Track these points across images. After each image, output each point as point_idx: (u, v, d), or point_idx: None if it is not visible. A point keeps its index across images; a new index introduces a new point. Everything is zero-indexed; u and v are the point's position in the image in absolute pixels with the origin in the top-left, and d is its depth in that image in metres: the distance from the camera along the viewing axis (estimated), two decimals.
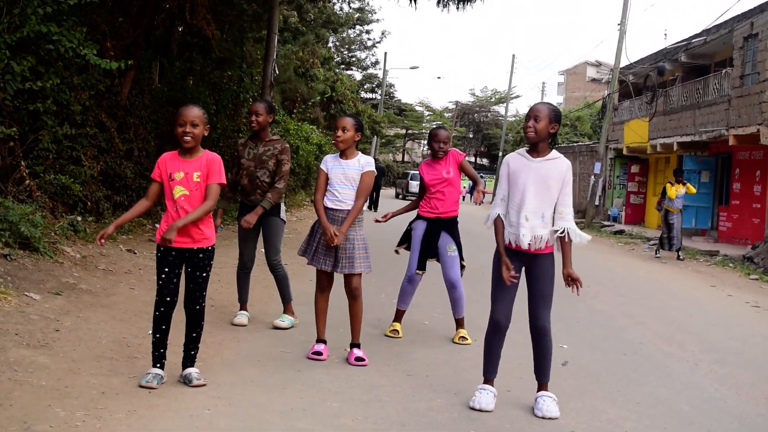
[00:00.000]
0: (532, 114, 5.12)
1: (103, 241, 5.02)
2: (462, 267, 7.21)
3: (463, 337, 7.17)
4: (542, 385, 5.26)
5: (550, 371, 5.28)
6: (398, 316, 7.35)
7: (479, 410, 5.09)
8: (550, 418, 5.03)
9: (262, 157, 7.01)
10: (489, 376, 5.32)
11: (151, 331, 5.14)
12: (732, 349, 7.95)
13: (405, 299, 7.31)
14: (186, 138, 4.97)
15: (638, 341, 7.91)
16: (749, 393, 6.20)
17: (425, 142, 77.76)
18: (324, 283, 6.16)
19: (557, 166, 5.15)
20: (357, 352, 6.09)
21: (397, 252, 7.51)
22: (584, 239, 5.28)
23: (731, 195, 23.76)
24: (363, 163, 6.10)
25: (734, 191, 23.55)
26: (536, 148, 5.16)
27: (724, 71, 23.39)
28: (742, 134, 20.97)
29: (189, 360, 5.18)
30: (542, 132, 5.09)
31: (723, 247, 20.42)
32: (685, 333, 8.59)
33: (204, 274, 5.11)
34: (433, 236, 7.14)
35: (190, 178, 5.01)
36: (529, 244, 5.10)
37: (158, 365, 5.08)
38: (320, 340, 6.19)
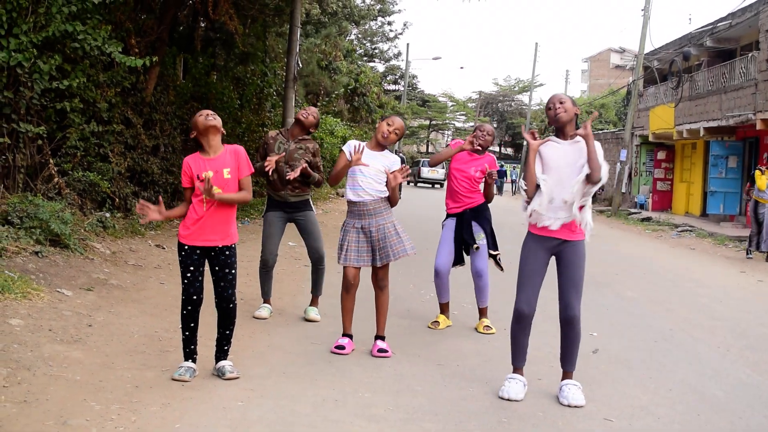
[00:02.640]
0: (556, 100, 5.15)
1: (144, 220, 5.16)
2: (493, 256, 7.22)
3: (488, 326, 7.16)
4: (567, 374, 5.25)
5: (576, 360, 5.26)
6: (442, 309, 7.36)
7: (508, 399, 5.10)
8: (576, 406, 5.02)
9: (293, 155, 6.99)
10: (517, 365, 5.31)
11: (181, 327, 5.18)
12: (763, 335, 7.89)
13: (440, 293, 7.31)
14: (209, 147, 5.09)
15: (668, 328, 7.87)
16: None
17: (449, 132, 77.93)
18: (350, 280, 6.06)
19: (582, 149, 5.13)
20: (380, 344, 6.08)
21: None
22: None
23: None
24: (391, 160, 6.10)
25: None
26: (563, 131, 5.16)
27: (750, 55, 23.13)
28: None
29: (222, 354, 5.23)
30: (571, 112, 5.12)
31: None
32: (715, 319, 8.53)
33: (233, 271, 5.14)
34: (465, 228, 7.14)
35: (221, 175, 5.03)
36: (549, 225, 5.11)
37: (190, 359, 5.13)
38: (346, 334, 6.18)
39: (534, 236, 5.23)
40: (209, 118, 5.04)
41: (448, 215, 7.29)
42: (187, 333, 5.10)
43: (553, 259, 5.28)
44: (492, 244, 7.22)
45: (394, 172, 5.93)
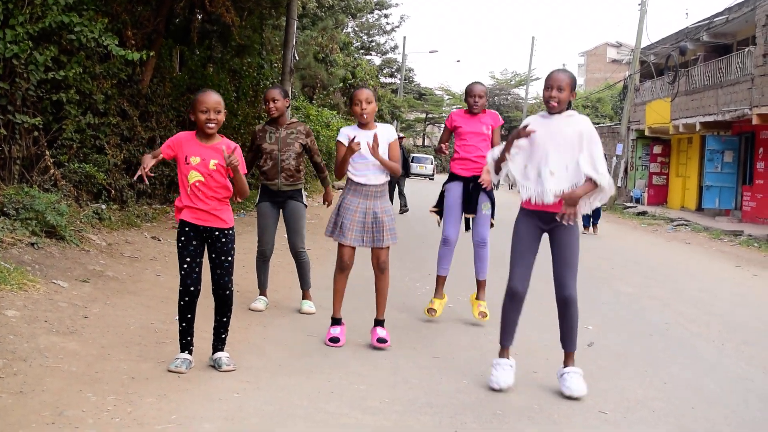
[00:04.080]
0: (555, 84, 5.08)
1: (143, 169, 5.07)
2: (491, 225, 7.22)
3: (483, 313, 7.13)
4: (568, 356, 5.23)
5: (576, 340, 5.25)
6: (439, 284, 7.26)
7: (499, 390, 5.10)
8: (577, 398, 5.02)
9: (286, 140, 7.00)
10: (504, 344, 5.29)
11: (177, 318, 5.18)
12: (758, 329, 7.91)
13: (443, 264, 7.25)
14: (210, 125, 4.98)
15: (664, 322, 7.89)
16: None
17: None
18: (346, 261, 6.03)
19: (576, 121, 5.15)
20: (380, 332, 6.04)
21: (437, 217, 7.42)
22: (611, 189, 5.15)
23: (755, 174, 23.56)
24: (387, 132, 6.07)
25: (758, 171, 23.35)
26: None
27: (746, 50, 23.16)
28: (766, 113, 20.76)
29: (220, 343, 5.22)
30: (564, 102, 5.11)
31: (747, 227, 20.27)
32: (710, 313, 8.55)
33: (230, 258, 5.13)
34: (472, 195, 7.10)
35: (206, 164, 4.99)
36: (555, 197, 5.06)
37: (186, 351, 5.12)
38: (336, 320, 6.12)
39: (526, 212, 5.22)
40: (210, 125, 4.97)
41: (453, 177, 7.21)
42: (183, 324, 5.08)
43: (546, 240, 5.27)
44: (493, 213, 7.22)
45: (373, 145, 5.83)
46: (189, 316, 5.08)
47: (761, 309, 9.13)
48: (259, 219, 7.18)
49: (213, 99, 5.00)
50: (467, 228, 7.31)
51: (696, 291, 10.15)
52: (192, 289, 5.04)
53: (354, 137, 5.88)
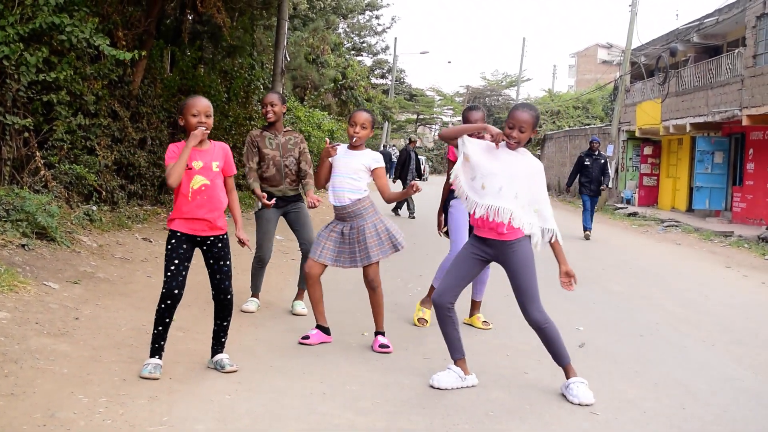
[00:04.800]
0: (517, 124, 5.01)
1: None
2: None
3: (486, 322, 7.13)
4: (567, 369, 5.20)
5: (566, 353, 5.25)
6: (431, 293, 7.16)
7: (437, 388, 5.11)
8: (588, 404, 5.00)
9: (287, 146, 7.04)
10: (453, 357, 5.31)
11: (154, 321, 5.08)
12: (748, 329, 7.94)
13: (440, 276, 7.15)
14: (201, 129, 4.98)
15: (654, 322, 7.92)
16: (766, 372, 6.20)
17: (437, 126, 77.88)
18: (309, 273, 6.04)
19: (528, 160, 5.11)
20: (382, 339, 6.07)
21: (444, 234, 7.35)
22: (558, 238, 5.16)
23: (745, 175, 23.64)
24: (371, 158, 6.03)
25: (748, 172, 23.43)
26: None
27: (736, 51, 23.23)
28: (756, 114, 20.83)
29: (220, 346, 5.22)
30: (524, 141, 5.08)
31: (737, 228, 20.34)
32: (701, 314, 8.59)
33: (228, 263, 5.12)
34: None
35: (210, 167, 5.00)
36: (488, 212, 4.99)
37: (157, 356, 5.01)
38: (319, 326, 6.16)
39: (476, 237, 5.21)
40: (201, 128, 4.97)
41: (454, 194, 7.15)
42: (159, 328, 4.98)
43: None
44: None
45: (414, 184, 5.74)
46: (167, 320, 4.99)
47: (751, 309, 9.17)
48: (260, 225, 7.14)
49: (203, 103, 5.01)
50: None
51: (686, 291, 10.18)
52: (176, 292, 4.96)
53: (332, 143, 5.92)
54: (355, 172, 5.97)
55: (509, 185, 5.02)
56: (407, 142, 22.25)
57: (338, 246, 6.00)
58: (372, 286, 6.06)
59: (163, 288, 4.97)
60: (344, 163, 5.98)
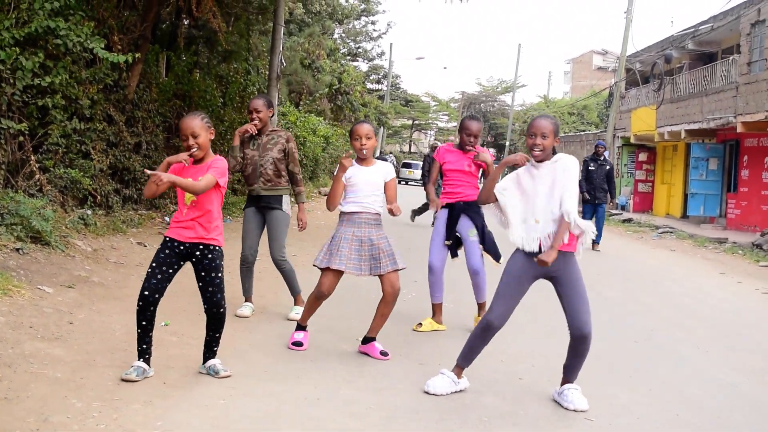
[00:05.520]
0: (539, 131, 4.99)
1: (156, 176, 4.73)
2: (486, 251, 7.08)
3: None
4: (566, 382, 5.22)
5: (579, 372, 5.23)
6: (434, 311, 7.21)
7: (432, 394, 5.10)
8: (582, 410, 5.00)
9: (266, 145, 7.03)
10: (461, 365, 5.25)
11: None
12: (743, 335, 7.96)
13: (433, 291, 7.18)
14: (192, 151, 4.96)
15: (649, 328, 7.93)
16: (760, 378, 6.22)
17: (431, 132, 77.95)
18: (324, 289, 5.87)
19: (561, 165, 5.06)
20: (378, 346, 6.02)
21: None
22: (588, 230, 5.12)
23: (739, 182, 23.71)
24: (386, 170, 6.02)
25: (742, 178, 23.51)
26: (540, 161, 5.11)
27: (731, 58, 23.32)
28: (750, 121, 20.91)
29: (211, 354, 5.21)
30: (549, 149, 5.02)
31: (732, 234, 20.40)
32: (695, 320, 8.60)
33: (219, 275, 5.07)
34: (454, 221, 7.04)
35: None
36: (540, 244, 4.98)
37: (142, 359, 5.00)
38: (301, 326, 6.11)
39: (523, 252, 5.09)
40: (192, 151, 4.95)
41: (441, 206, 7.17)
42: (139, 330, 4.97)
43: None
44: (482, 239, 7.06)
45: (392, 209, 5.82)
46: (144, 323, 4.96)
47: (746, 316, 9.19)
48: (243, 223, 7.20)
49: (189, 125, 4.93)
50: (453, 255, 7.28)
51: (681, 297, 10.20)
52: (146, 293, 4.91)
53: (351, 163, 5.87)
54: (378, 188, 5.95)
55: (544, 207, 4.99)
56: (430, 149, 22.04)
57: (358, 254, 5.87)
58: (396, 294, 5.92)
59: (140, 289, 4.96)
60: (365, 181, 5.91)
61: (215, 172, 4.97)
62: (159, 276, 4.96)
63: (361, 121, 6.19)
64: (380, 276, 5.88)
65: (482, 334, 5.17)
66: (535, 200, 5.03)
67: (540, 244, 4.98)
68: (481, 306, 7.24)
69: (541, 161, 5.07)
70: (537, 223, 5.01)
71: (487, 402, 5.07)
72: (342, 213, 5.99)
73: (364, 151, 5.94)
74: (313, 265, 5.99)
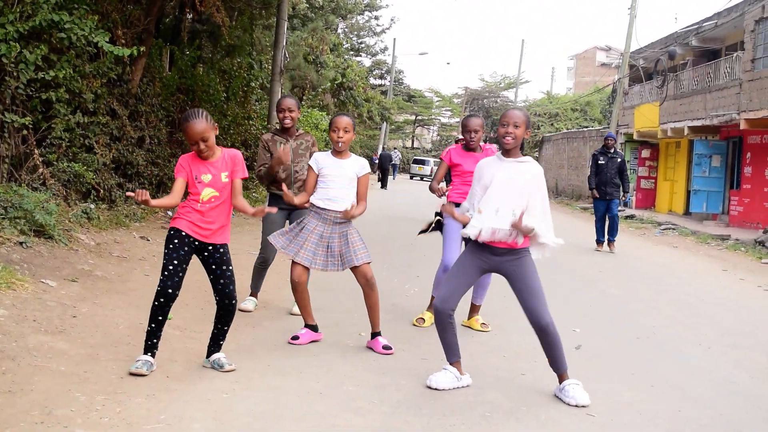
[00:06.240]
0: (511, 121, 5.05)
1: (139, 199, 4.71)
2: None
3: (484, 324, 7.12)
4: (562, 376, 5.23)
5: (565, 360, 5.26)
6: (432, 304, 7.20)
7: (435, 389, 5.12)
8: (584, 405, 5.01)
9: (298, 150, 7.02)
10: (450, 360, 5.31)
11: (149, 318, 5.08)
12: (745, 332, 7.96)
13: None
14: (203, 155, 4.98)
15: (651, 325, 7.92)
16: (763, 376, 6.21)
17: (435, 128, 77.86)
18: (295, 278, 5.96)
19: (528, 169, 5.12)
20: (382, 340, 6.05)
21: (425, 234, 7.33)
22: (556, 243, 5.16)
23: (742, 179, 23.67)
24: (360, 165, 6.04)
25: (745, 175, 23.46)
26: (509, 152, 5.16)
27: (735, 55, 23.26)
28: (754, 118, 20.87)
29: (217, 347, 5.23)
30: (520, 138, 5.09)
31: (734, 231, 20.37)
32: (697, 317, 8.60)
33: (231, 268, 5.13)
34: None
35: (219, 179, 5.00)
36: (493, 232, 5.03)
37: (150, 353, 5.01)
38: (308, 325, 6.15)
39: (476, 244, 5.18)
40: (203, 155, 4.98)
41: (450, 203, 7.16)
42: (153, 326, 4.98)
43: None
44: None
45: (348, 211, 5.84)
46: (161, 318, 4.98)
47: (748, 313, 9.18)
48: (265, 226, 7.11)
49: (196, 129, 4.90)
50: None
51: (683, 294, 10.19)
52: (170, 291, 4.93)
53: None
54: (350, 181, 5.97)
55: (506, 202, 5.04)
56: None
57: (316, 248, 5.92)
58: (371, 284, 5.99)
59: (159, 285, 4.95)
60: (339, 173, 5.95)
61: (243, 172, 5.14)
62: (180, 274, 4.99)
63: (341, 113, 6.22)
64: (352, 269, 5.95)
65: (439, 324, 5.27)
66: (497, 193, 5.08)
67: (480, 234, 5.06)
68: (474, 308, 7.21)
69: (509, 152, 5.14)
70: (496, 214, 5.05)
71: (489, 398, 5.07)
72: (312, 204, 6.01)
73: (341, 144, 5.95)
74: (276, 246, 6.06)
